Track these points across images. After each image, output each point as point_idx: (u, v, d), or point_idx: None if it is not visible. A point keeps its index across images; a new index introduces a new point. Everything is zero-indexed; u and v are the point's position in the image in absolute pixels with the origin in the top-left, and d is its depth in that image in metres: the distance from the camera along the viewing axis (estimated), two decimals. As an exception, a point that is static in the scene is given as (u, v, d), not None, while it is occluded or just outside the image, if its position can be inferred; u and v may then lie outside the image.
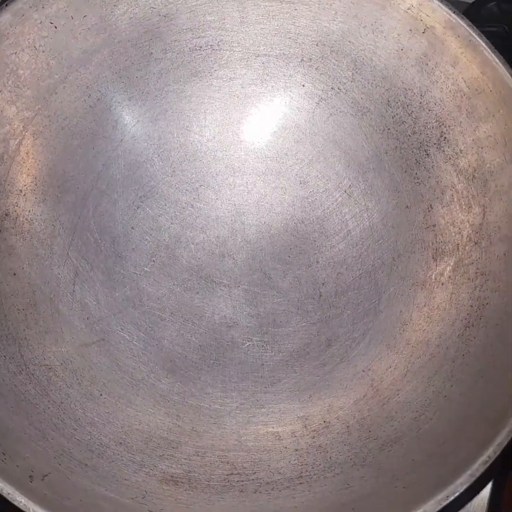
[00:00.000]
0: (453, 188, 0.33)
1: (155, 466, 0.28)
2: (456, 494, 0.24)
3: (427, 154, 0.34)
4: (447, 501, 0.24)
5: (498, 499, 0.31)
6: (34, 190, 0.33)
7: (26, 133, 0.32)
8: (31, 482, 0.24)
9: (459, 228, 0.33)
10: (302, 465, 0.29)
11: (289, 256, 0.36)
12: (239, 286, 0.36)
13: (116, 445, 0.29)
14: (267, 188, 0.37)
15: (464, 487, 0.24)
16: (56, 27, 0.32)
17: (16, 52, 0.31)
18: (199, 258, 0.36)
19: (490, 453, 0.24)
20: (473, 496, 0.30)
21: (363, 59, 0.34)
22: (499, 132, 0.31)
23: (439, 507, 0.24)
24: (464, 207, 0.32)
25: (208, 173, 0.37)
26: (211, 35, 0.35)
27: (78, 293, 0.33)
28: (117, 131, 0.35)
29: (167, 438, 0.30)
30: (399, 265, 0.35)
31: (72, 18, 0.32)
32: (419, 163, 0.34)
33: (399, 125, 0.34)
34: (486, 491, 0.31)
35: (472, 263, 0.31)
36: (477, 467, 0.24)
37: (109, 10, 0.33)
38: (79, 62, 0.33)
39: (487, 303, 0.30)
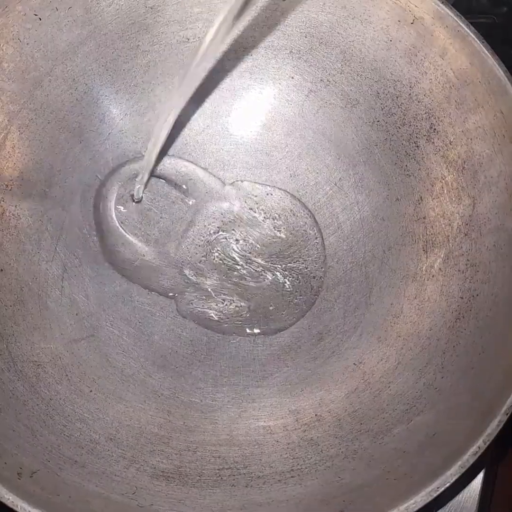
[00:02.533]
0: (443, 179, 0.33)
1: (145, 461, 0.28)
2: (447, 485, 0.24)
3: (417, 146, 0.34)
4: (438, 492, 0.24)
5: (489, 490, 0.31)
6: (20, 184, 0.32)
7: (12, 127, 0.32)
8: (19, 479, 0.24)
9: (449, 220, 0.33)
10: (293, 458, 0.29)
11: (280, 249, 0.36)
12: (230, 280, 0.36)
13: (106, 441, 0.28)
14: (256, 181, 0.37)
15: (455, 478, 0.24)
16: (40, 19, 0.31)
17: (0, 45, 0.31)
18: (189, 252, 0.36)
19: (480, 444, 0.24)
20: (464, 487, 0.30)
21: (352, 50, 0.34)
22: (488, 123, 0.31)
23: (430, 498, 0.24)
24: (454, 198, 0.32)
25: (196, 167, 0.37)
26: (198, 27, 0.35)
27: (67, 288, 0.33)
28: (104, 124, 0.35)
29: (158, 434, 0.30)
30: (390, 257, 0.35)
31: (57, 9, 0.31)
32: (409, 155, 0.34)
33: (389, 117, 0.34)
34: (478, 482, 0.31)
35: (462, 254, 0.31)
36: (467, 458, 0.24)
37: (95, 2, 0.32)
38: (64, 54, 0.33)
39: (477, 295, 0.30)
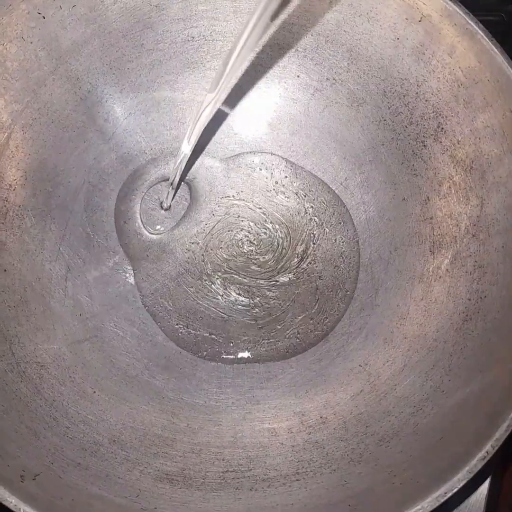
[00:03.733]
0: (451, 179, 0.32)
1: (149, 464, 0.28)
2: (454, 491, 0.24)
3: (424, 145, 0.33)
4: (445, 498, 0.23)
5: (496, 494, 0.31)
6: (24, 184, 0.32)
7: (15, 127, 0.32)
8: (22, 481, 0.24)
9: (457, 221, 0.32)
10: (298, 461, 0.29)
11: (285, 249, 0.36)
12: (234, 280, 0.35)
13: (110, 443, 0.28)
14: (262, 181, 0.37)
15: (462, 483, 0.24)
16: (44, 18, 0.31)
17: (3, 44, 0.31)
18: (193, 251, 0.36)
19: (488, 448, 0.24)
20: (472, 492, 0.30)
21: (358, 48, 0.33)
22: (497, 122, 0.30)
23: (437, 504, 0.23)
24: (461, 199, 0.32)
25: (201, 166, 0.37)
26: (203, 25, 0.34)
27: (70, 289, 0.33)
28: (108, 124, 0.35)
29: (162, 436, 0.30)
30: (396, 258, 0.34)
31: (61, 8, 0.31)
32: (416, 155, 0.34)
33: (396, 116, 0.34)
34: (485, 487, 0.31)
35: (470, 255, 0.31)
36: (475, 463, 0.24)
37: (99, 0, 0.32)
38: (69, 53, 0.33)
39: (485, 296, 0.30)
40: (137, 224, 0.36)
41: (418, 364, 0.31)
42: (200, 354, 0.33)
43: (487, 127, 0.30)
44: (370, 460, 0.28)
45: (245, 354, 0.34)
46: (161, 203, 0.36)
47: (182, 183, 0.36)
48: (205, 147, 0.37)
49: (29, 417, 0.27)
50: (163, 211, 0.36)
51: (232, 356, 0.34)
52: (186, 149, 0.31)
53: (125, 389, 0.31)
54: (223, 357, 0.34)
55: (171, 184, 0.33)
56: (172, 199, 0.35)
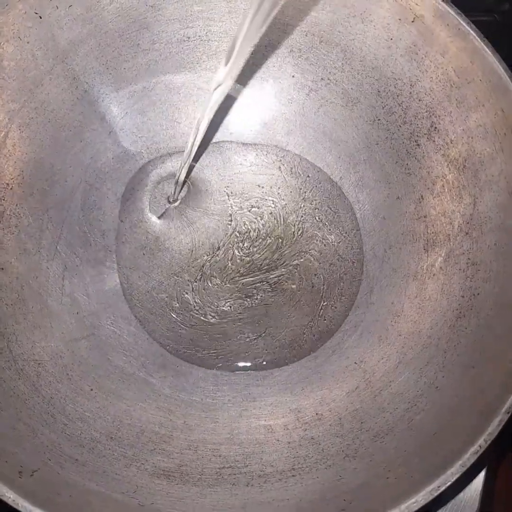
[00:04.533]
0: (444, 178, 0.33)
1: (146, 460, 0.28)
2: (448, 484, 0.24)
3: (418, 145, 0.34)
4: (439, 491, 0.24)
5: (491, 491, 0.31)
6: (21, 183, 0.32)
7: (12, 126, 0.32)
8: (20, 477, 0.24)
9: (450, 219, 0.32)
10: (294, 457, 0.29)
11: (281, 247, 0.36)
12: (230, 278, 0.36)
13: (107, 440, 0.28)
14: (257, 179, 0.37)
15: (455, 477, 0.24)
16: (41, 17, 0.31)
17: (0, 43, 0.31)
18: (189, 250, 0.36)
19: (481, 442, 0.24)
20: (465, 486, 0.30)
21: (352, 49, 0.34)
22: (489, 121, 0.30)
23: (431, 498, 0.24)
24: (455, 197, 0.32)
25: (197, 166, 0.37)
26: (199, 25, 0.35)
27: (68, 287, 0.33)
28: (105, 123, 0.35)
29: (159, 432, 0.30)
30: (391, 256, 0.34)
31: (57, 8, 0.31)
32: (410, 154, 0.34)
33: (390, 116, 0.34)
34: (479, 481, 0.31)
35: (463, 253, 0.31)
36: (468, 457, 0.24)
37: (95, 0, 0.32)
38: (65, 53, 0.33)
39: (478, 294, 0.30)
40: (133, 223, 0.36)
41: (413, 361, 0.31)
42: (193, 361, 0.34)
43: (480, 126, 0.31)
44: (365, 456, 0.28)
45: (242, 361, 0.34)
46: (168, 197, 0.36)
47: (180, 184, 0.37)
48: (200, 148, 0.37)
49: (26, 414, 0.27)
50: (170, 204, 0.36)
51: (228, 363, 0.34)
52: (201, 130, 0.30)
53: (122, 386, 0.31)
54: (219, 365, 0.34)
55: (178, 178, 0.34)
56: (180, 191, 0.36)
